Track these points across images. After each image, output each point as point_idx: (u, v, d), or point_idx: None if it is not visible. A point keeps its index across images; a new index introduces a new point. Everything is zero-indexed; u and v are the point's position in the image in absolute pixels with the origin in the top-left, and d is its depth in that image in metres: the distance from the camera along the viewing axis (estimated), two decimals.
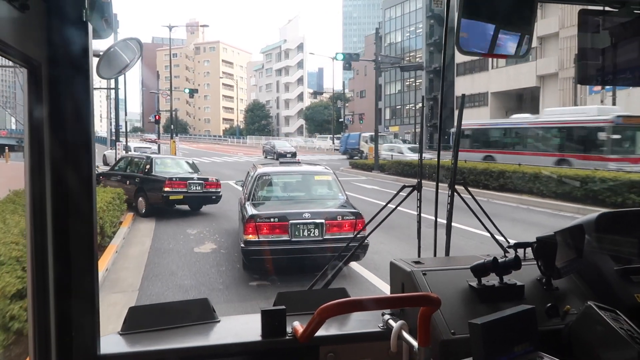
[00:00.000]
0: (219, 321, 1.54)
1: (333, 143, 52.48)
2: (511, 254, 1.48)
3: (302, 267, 6.17)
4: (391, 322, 1.39)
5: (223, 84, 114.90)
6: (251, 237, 5.95)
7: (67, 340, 1.19)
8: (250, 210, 6.35)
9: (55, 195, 1.16)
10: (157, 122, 33.78)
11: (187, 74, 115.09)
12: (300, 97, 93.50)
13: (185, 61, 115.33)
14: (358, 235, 3.61)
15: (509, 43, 1.40)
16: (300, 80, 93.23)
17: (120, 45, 1.39)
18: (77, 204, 1.19)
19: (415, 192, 2.06)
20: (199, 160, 25.68)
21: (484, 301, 1.41)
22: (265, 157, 40.82)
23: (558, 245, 1.42)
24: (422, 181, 2.04)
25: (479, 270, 1.44)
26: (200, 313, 1.54)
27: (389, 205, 2.07)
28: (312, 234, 6.05)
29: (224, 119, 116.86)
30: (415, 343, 1.18)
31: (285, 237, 6.03)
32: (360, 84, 75.30)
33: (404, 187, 2.09)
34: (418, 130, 52.74)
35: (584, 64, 1.54)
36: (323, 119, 74.33)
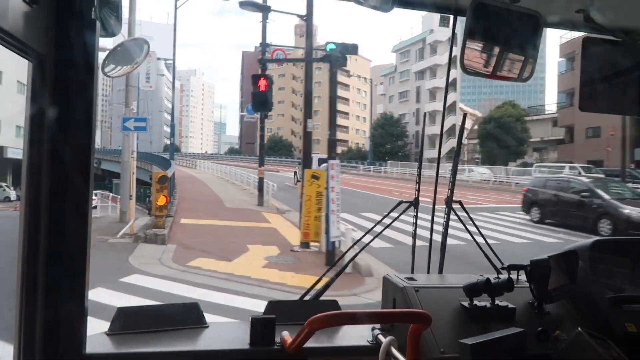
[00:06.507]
0: (207, 326, 1.51)
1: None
2: (504, 275, 1.45)
3: None
4: (381, 337, 1.35)
5: (337, 96, 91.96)
6: None
7: (53, 339, 1.19)
8: None
9: (51, 193, 1.16)
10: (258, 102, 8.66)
11: (294, 85, 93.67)
12: (451, 108, 66.83)
13: (292, 69, 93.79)
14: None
15: (512, 66, 1.41)
16: (452, 84, 66.47)
17: (127, 44, 1.39)
18: (73, 203, 1.19)
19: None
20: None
21: (475, 321, 1.39)
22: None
23: (551, 269, 1.42)
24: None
25: (472, 290, 1.41)
26: (189, 317, 1.51)
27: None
28: None
29: (337, 140, 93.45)
30: None
31: None
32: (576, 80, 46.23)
33: (400, 202, 1.93)
34: None
35: (586, 91, 1.56)
36: (517, 136, 46.23)
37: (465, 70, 1.37)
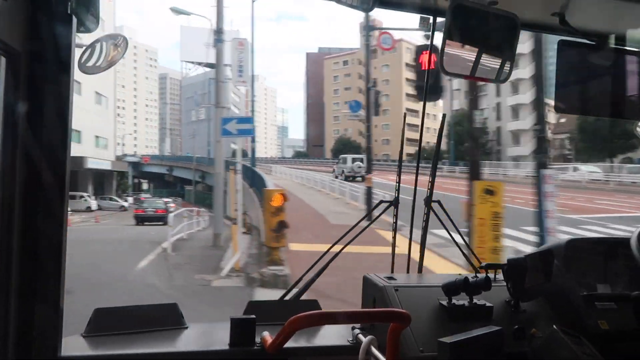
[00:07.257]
0: (187, 327, 1.51)
1: None
2: (482, 274, 1.47)
3: None
4: (361, 336, 1.37)
5: (406, 94, 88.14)
6: None
7: (27, 341, 1.17)
8: None
9: (25, 193, 1.15)
10: None
11: (361, 84, 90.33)
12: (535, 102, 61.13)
13: (357, 68, 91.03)
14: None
15: (490, 67, 1.44)
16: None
17: (104, 40, 1.37)
18: (48, 204, 1.18)
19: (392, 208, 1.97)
20: None
21: (454, 320, 1.40)
22: None
23: (528, 268, 1.45)
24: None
25: (450, 289, 1.43)
26: (168, 318, 1.51)
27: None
28: None
29: (408, 140, 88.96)
30: (383, 359, 1.18)
31: None
32: None
33: (380, 202, 1.99)
34: None
35: (561, 92, 1.61)
36: (625, 128, 40.63)
37: (445, 70, 1.39)
